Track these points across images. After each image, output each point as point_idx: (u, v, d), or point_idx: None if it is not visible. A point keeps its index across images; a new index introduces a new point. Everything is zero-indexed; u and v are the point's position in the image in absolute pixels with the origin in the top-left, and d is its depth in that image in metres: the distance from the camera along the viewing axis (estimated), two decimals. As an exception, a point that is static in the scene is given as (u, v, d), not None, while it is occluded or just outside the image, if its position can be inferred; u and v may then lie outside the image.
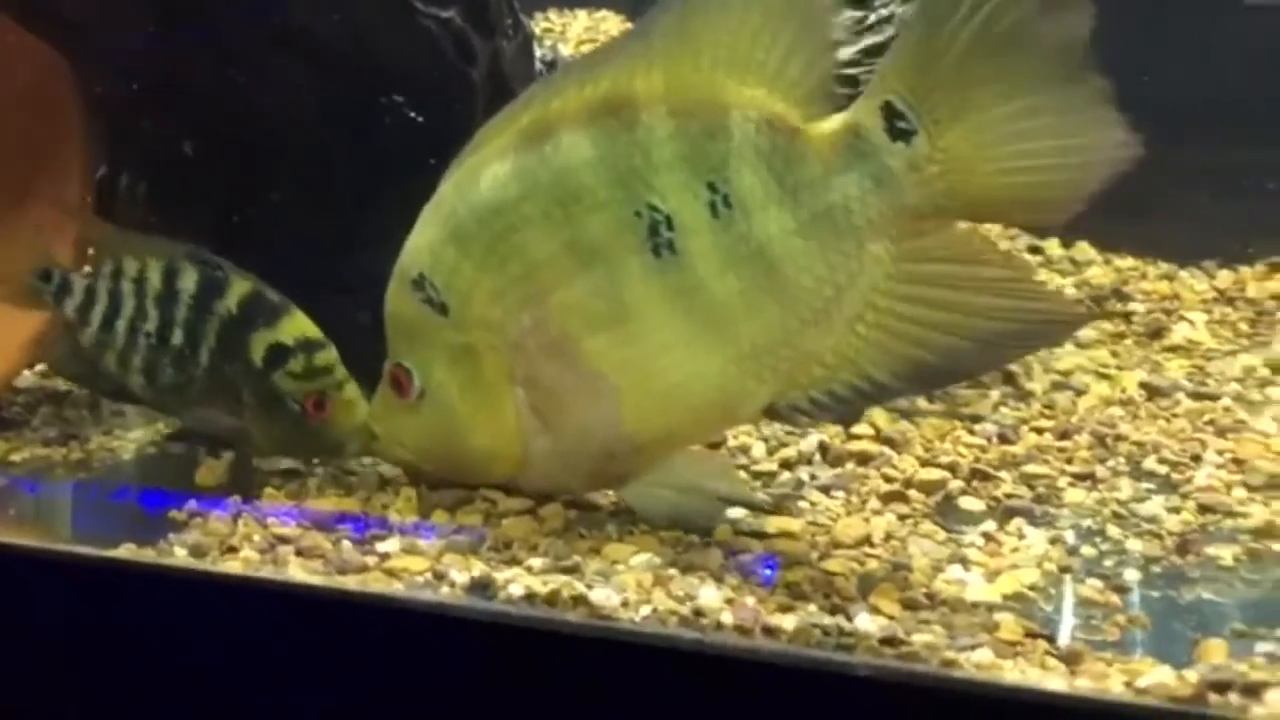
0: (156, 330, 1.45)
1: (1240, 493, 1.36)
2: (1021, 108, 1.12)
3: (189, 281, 1.44)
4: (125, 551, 1.17)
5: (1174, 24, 2.04)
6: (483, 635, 1.03)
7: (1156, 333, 1.87)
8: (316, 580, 1.12)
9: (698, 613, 1.05)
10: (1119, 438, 1.50)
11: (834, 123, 1.17)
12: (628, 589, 1.08)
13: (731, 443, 1.46)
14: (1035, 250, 2.11)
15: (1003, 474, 1.41)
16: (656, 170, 1.19)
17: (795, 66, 1.18)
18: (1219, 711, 0.90)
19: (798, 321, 1.18)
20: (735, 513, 1.28)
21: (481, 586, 1.08)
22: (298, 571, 1.14)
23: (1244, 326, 1.89)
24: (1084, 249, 2.11)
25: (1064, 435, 1.51)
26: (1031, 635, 1.06)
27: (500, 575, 1.10)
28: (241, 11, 1.51)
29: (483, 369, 1.26)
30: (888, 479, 1.39)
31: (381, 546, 1.18)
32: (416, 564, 1.14)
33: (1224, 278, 2.03)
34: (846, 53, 1.71)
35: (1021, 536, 1.27)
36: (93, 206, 1.64)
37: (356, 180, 1.56)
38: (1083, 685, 0.96)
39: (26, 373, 1.70)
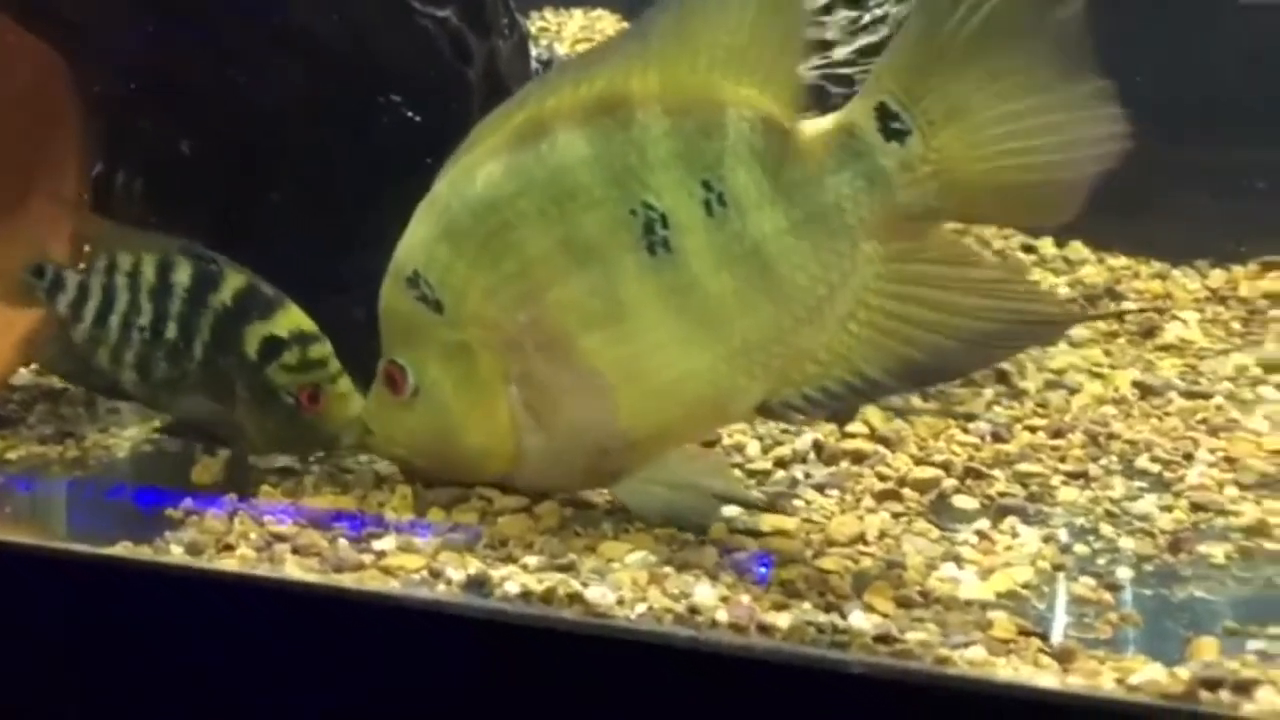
0: (150, 324, 1.44)
1: (1232, 491, 1.37)
2: (1016, 109, 1.13)
3: (183, 275, 1.44)
4: (121, 549, 1.17)
5: (1167, 24, 2.04)
6: (479, 633, 1.03)
7: (1149, 332, 1.87)
8: (313, 578, 1.12)
9: (693, 610, 1.05)
10: (1112, 436, 1.51)
11: (828, 122, 1.18)
12: (623, 587, 1.09)
13: (726, 441, 1.47)
14: (1029, 249, 2.12)
15: (996, 472, 1.41)
16: (651, 168, 1.20)
17: (784, 67, 1.19)
18: (1210, 709, 0.91)
19: (791, 319, 1.19)
20: (730, 511, 1.28)
21: (477, 584, 1.09)
22: (294, 569, 1.14)
23: (1236, 325, 1.90)
24: (1077, 248, 2.11)
25: (1057, 434, 1.52)
26: (1025, 633, 1.06)
27: (496, 573, 1.11)
28: (238, 11, 1.51)
29: (477, 366, 1.26)
30: (882, 477, 1.39)
31: (378, 544, 1.18)
32: (412, 562, 1.14)
33: (1216, 277, 2.04)
34: (841, 52, 1.72)
35: (1015, 534, 1.28)
36: (89, 204, 1.64)
37: (352, 179, 1.56)
38: (1075, 683, 0.97)
39: (22, 370, 1.69)
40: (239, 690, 1.09)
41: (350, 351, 1.41)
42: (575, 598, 1.06)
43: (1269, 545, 1.26)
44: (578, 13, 2.83)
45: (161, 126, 1.62)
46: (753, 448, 1.46)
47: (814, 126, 1.19)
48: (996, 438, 1.50)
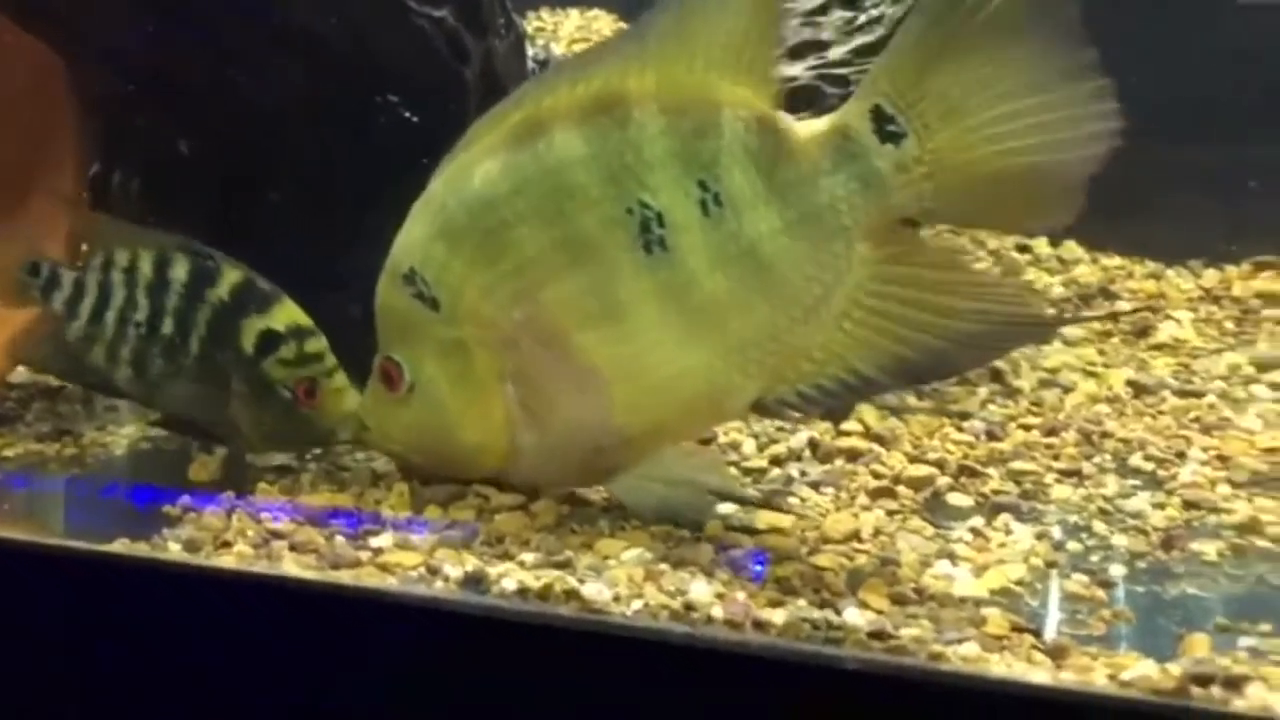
0: (147, 319, 1.45)
1: (1224, 489, 1.37)
2: (1012, 111, 1.13)
3: (180, 271, 1.44)
4: (119, 546, 1.17)
5: (1164, 23, 2.05)
6: (476, 629, 1.03)
7: (1143, 331, 1.88)
8: (310, 575, 1.12)
9: (689, 607, 1.05)
10: (1105, 435, 1.52)
11: (823, 123, 1.19)
12: (619, 584, 1.09)
13: (722, 439, 1.47)
14: (1023, 249, 2.12)
15: (990, 470, 1.42)
16: (648, 167, 1.20)
17: (774, 68, 1.20)
18: (1202, 704, 0.91)
19: (786, 318, 1.19)
20: (726, 508, 1.29)
21: (474, 581, 1.09)
22: (291, 566, 1.14)
23: (1229, 325, 1.90)
24: (1071, 248, 2.12)
25: (1051, 432, 1.53)
26: (1018, 629, 1.07)
27: (493, 570, 1.11)
28: (234, 11, 1.52)
29: (472, 364, 1.27)
30: (877, 475, 1.40)
31: (375, 541, 1.19)
32: (410, 559, 1.14)
33: (1210, 276, 2.04)
34: (837, 52, 1.73)
35: (1008, 532, 1.28)
36: (87, 204, 1.64)
37: (349, 178, 1.57)
38: (1068, 679, 0.97)
39: (20, 367, 1.70)
40: (236, 687, 1.10)
41: (348, 349, 1.41)
42: (572, 594, 1.06)
43: (1261, 543, 1.27)
44: (574, 12, 2.83)
45: (158, 126, 1.62)
46: (748, 445, 1.46)
47: (809, 127, 1.19)
48: (991, 436, 1.51)
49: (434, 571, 1.12)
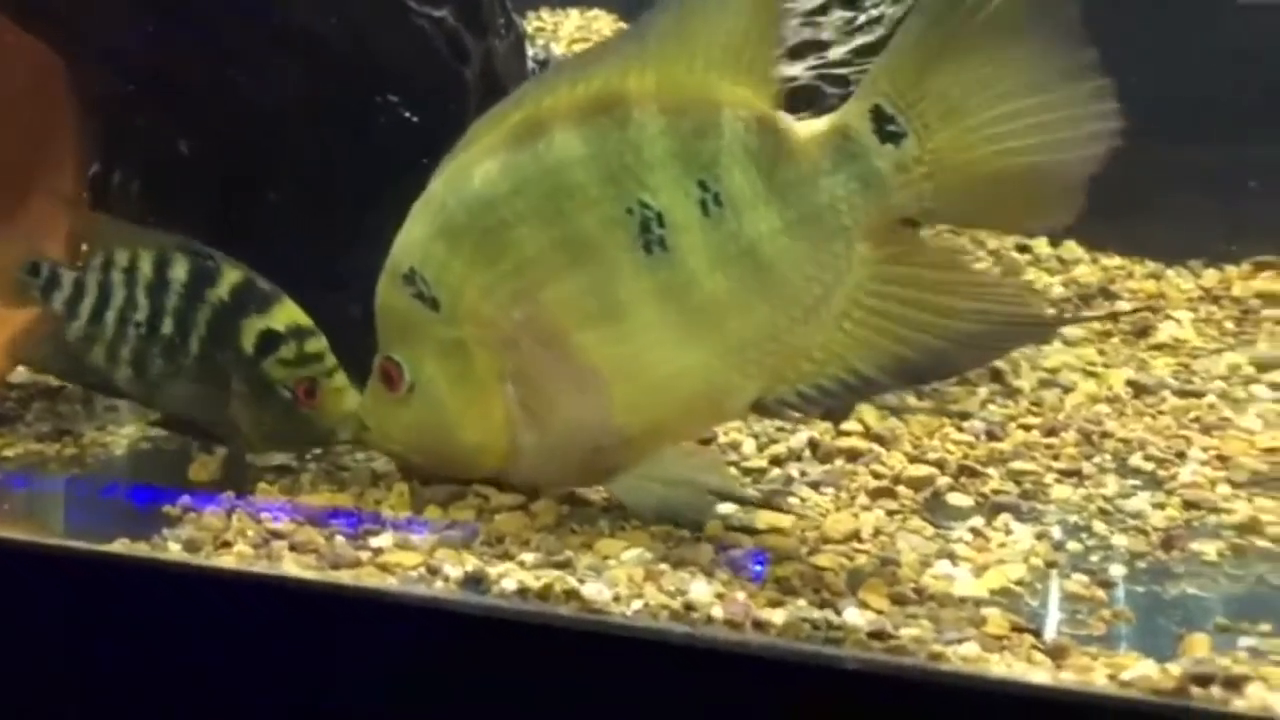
0: (147, 319, 1.45)
1: (1224, 489, 1.38)
2: (1012, 111, 1.13)
3: (180, 270, 1.44)
4: (119, 546, 1.17)
5: (1163, 23, 2.05)
6: (476, 629, 1.03)
7: (1143, 331, 1.88)
8: (310, 575, 1.12)
9: (688, 607, 1.06)
10: (1105, 435, 1.52)
11: (823, 123, 1.19)
12: (619, 584, 1.09)
13: (722, 439, 1.47)
14: (1023, 249, 2.13)
15: (990, 470, 1.42)
16: (648, 167, 1.20)
17: (773, 68, 1.20)
18: (1202, 704, 0.91)
19: (786, 318, 1.19)
20: (726, 508, 1.29)
21: (474, 581, 1.09)
22: (292, 566, 1.14)
23: (1229, 325, 1.90)
24: (1071, 248, 2.12)
25: (1051, 432, 1.53)
26: (1018, 629, 1.07)
27: (493, 570, 1.11)
28: (236, 11, 1.52)
29: (472, 364, 1.27)
30: (877, 475, 1.40)
31: (375, 541, 1.19)
32: (410, 559, 1.14)
33: (1210, 276, 2.05)
34: (837, 52, 1.73)
35: (1008, 532, 1.29)
36: (87, 204, 1.64)
37: (350, 178, 1.57)
38: (1068, 679, 0.97)
39: (21, 367, 1.70)
40: (236, 687, 1.10)
41: (348, 349, 1.41)
42: (572, 594, 1.06)
43: (1260, 543, 1.27)
44: (574, 13, 2.83)
45: (158, 126, 1.62)
46: (748, 445, 1.47)
47: (809, 128, 1.19)
48: (991, 436, 1.51)
49: (434, 571, 1.12)
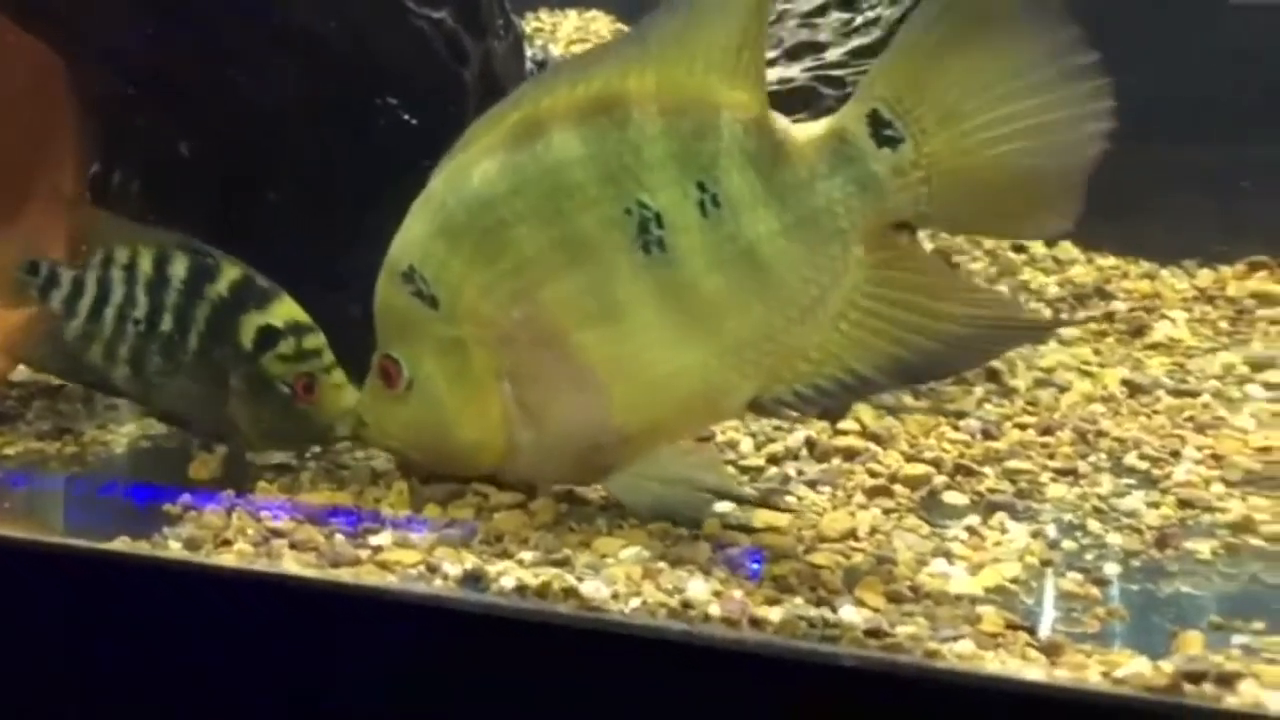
0: (146, 316, 1.45)
1: (1218, 488, 1.38)
2: (1009, 114, 1.14)
3: (179, 268, 1.44)
4: (120, 545, 1.18)
5: (1157, 23, 2.05)
6: (475, 627, 1.04)
7: (1138, 331, 1.89)
8: (310, 573, 1.13)
9: (686, 605, 1.06)
10: (1100, 434, 1.52)
11: (820, 127, 1.19)
12: (617, 582, 1.10)
13: (720, 438, 1.48)
14: (1019, 249, 2.13)
15: (986, 469, 1.42)
16: (647, 168, 1.20)
17: (764, 70, 1.20)
18: (1194, 701, 0.92)
19: (783, 319, 1.20)
20: (723, 507, 1.29)
21: (473, 579, 1.10)
22: (291, 564, 1.14)
23: (1224, 325, 1.91)
24: (1067, 248, 2.13)
25: (1046, 431, 1.53)
26: (1013, 627, 1.07)
27: (492, 568, 1.11)
28: (236, 11, 1.52)
29: (470, 362, 1.27)
30: (873, 474, 1.40)
31: (374, 539, 1.19)
32: (409, 557, 1.15)
33: (1204, 276, 2.05)
34: (834, 54, 1.73)
35: (1004, 531, 1.29)
36: (87, 204, 1.64)
37: (349, 178, 1.57)
38: (1062, 676, 0.98)
39: (21, 366, 1.70)
40: (236, 685, 1.10)
41: (347, 348, 1.42)
42: (570, 592, 1.07)
43: (1254, 541, 1.27)
44: (573, 13, 2.84)
45: (158, 126, 1.63)
46: (746, 444, 1.47)
47: (806, 131, 1.20)
48: (986, 435, 1.52)
49: (433, 569, 1.12)
